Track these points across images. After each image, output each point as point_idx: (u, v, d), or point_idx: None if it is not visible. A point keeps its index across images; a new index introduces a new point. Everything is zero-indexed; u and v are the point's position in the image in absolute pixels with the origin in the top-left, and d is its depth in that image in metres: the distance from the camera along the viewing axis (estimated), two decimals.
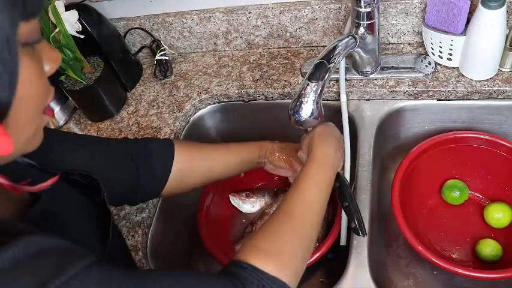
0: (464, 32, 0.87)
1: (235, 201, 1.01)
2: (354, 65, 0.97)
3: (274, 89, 1.02)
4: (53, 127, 1.10)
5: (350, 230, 0.81)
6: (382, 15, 0.97)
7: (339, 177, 0.75)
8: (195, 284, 0.50)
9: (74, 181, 0.61)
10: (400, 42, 1.02)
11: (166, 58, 1.14)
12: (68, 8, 0.94)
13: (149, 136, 1.01)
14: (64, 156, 0.65)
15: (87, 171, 0.61)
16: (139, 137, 0.93)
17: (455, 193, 0.94)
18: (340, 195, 0.75)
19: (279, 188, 1.05)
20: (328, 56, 0.76)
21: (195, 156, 0.81)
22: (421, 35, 0.97)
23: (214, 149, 0.85)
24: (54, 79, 1.05)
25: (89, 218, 0.58)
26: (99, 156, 0.70)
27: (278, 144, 0.88)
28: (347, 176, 0.87)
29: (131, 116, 1.08)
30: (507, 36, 0.86)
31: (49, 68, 0.44)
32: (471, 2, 0.83)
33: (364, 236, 0.74)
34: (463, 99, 0.93)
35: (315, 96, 0.72)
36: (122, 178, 0.72)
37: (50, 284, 0.38)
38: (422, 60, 0.95)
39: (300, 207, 0.63)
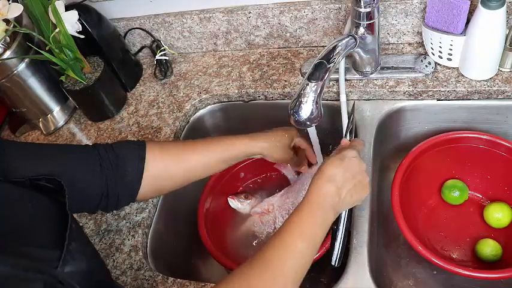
0: (464, 32, 0.87)
1: (233, 203, 1.01)
2: (353, 65, 0.97)
3: (274, 89, 1.02)
4: (53, 127, 1.10)
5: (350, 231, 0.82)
6: (382, 15, 0.97)
7: None
8: None
9: (41, 187, 0.59)
10: (400, 42, 1.02)
11: (166, 58, 1.14)
12: (68, 8, 0.94)
13: (149, 136, 1.01)
14: (24, 168, 0.62)
15: (52, 175, 0.59)
16: (127, 139, 0.91)
17: (455, 193, 0.94)
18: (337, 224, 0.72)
19: (277, 186, 1.05)
20: (328, 56, 0.76)
21: (169, 158, 0.76)
22: (421, 35, 0.97)
23: (193, 149, 0.79)
24: (54, 79, 1.05)
25: (52, 225, 0.56)
26: (63, 167, 0.66)
27: (268, 141, 0.84)
28: None
29: (131, 116, 1.08)
30: (507, 36, 0.86)
31: None
32: (471, 2, 0.83)
33: (334, 265, 0.72)
34: (463, 99, 0.93)
35: (315, 96, 0.72)
36: (90, 185, 0.69)
37: None
38: (422, 60, 0.95)
39: (277, 255, 0.59)
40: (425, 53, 0.97)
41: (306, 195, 0.66)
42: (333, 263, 0.71)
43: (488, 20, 0.80)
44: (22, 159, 0.63)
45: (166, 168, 0.76)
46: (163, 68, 1.13)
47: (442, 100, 0.94)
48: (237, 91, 1.04)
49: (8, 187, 0.55)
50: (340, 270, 0.77)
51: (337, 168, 0.67)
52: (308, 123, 0.74)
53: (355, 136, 0.93)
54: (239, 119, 1.11)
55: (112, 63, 1.07)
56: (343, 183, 0.66)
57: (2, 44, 0.95)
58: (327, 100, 0.99)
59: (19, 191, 0.56)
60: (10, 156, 0.62)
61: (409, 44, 1.01)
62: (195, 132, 1.09)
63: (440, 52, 0.92)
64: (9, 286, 0.42)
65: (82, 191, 0.66)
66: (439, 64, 0.95)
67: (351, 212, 0.73)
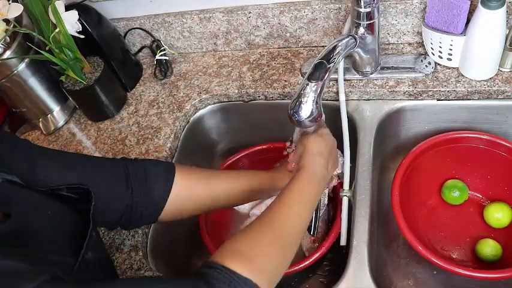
0: (464, 32, 0.87)
1: None
2: (353, 65, 0.97)
3: (274, 89, 1.02)
4: (53, 127, 1.10)
5: (350, 230, 0.82)
6: (382, 15, 0.97)
7: None
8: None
9: (62, 196, 0.59)
10: (400, 42, 1.02)
11: (166, 58, 1.14)
12: (68, 8, 0.94)
13: (149, 136, 1.01)
14: (50, 175, 0.62)
15: (75, 184, 0.60)
16: (140, 156, 0.91)
17: (455, 193, 0.94)
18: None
19: None
20: (328, 56, 0.76)
21: (196, 184, 0.77)
22: (421, 35, 0.97)
23: (219, 177, 0.81)
24: (54, 79, 1.05)
25: (70, 234, 0.56)
26: (88, 177, 0.66)
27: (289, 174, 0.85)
28: (347, 176, 0.87)
29: (131, 116, 1.08)
30: (507, 36, 0.86)
31: None
32: (471, 2, 0.83)
33: (310, 234, 0.78)
34: (463, 99, 0.93)
35: (315, 96, 0.72)
36: (114, 201, 0.68)
37: None
38: (422, 60, 0.95)
39: (281, 218, 0.63)
40: (425, 53, 0.97)
41: (300, 168, 0.72)
42: (311, 233, 0.80)
43: (488, 20, 0.80)
44: (48, 168, 0.63)
45: (191, 191, 0.76)
46: (163, 68, 1.13)
47: (442, 100, 0.94)
48: (237, 91, 1.04)
49: (29, 193, 0.56)
50: (340, 270, 0.77)
51: (321, 144, 0.75)
52: (308, 123, 0.74)
53: (355, 137, 0.93)
54: (239, 119, 1.11)
55: (112, 63, 1.07)
56: (328, 156, 0.75)
57: (2, 44, 0.95)
58: (326, 100, 0.99)
59: (40, 198, 0.57)
60: (38, 164, 0.62)
61: (409, 44, 1.01)
62: (195, 132, 1.09)
63: (440, 52, 0.92)
64: (17, 277, 0.43)
65: (104, 204, 0.66)
66: (439, 64, 0.95)
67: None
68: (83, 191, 0.60)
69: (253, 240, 0.59)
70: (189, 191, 0.75)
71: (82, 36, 0.96)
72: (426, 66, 0.94)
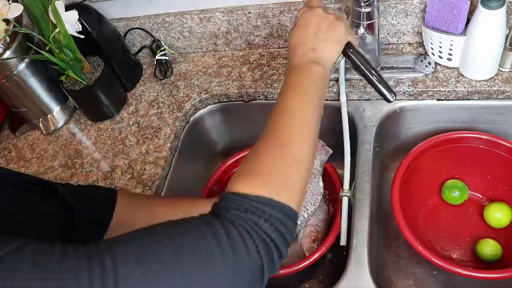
0: (464, 32, 0.87)
1: None
2: None
3: (274, 89, 1.02)
4: (53, 127, 1.10)
5: (350, 230, 0.82)
6: (382, 15, 0.97)
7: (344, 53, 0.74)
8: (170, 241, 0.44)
9: (29, 191, 0.58)
10: (400, 42, 1.02)
11: (166, 58, 1.14)
12: (68, 8, 0.94)
13: (149, 136, 1.01)
14: None
15: (34, 177, 0.60)
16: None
17: (455, 193, 0.94)
18: (355, 68, 0.76)
19: None
20: None
21: (138, 210, 0.75)
22: (421, 35, 0.97)
23: (161, 205, 0.79)
24: (54, 79, 1.05)
25: (45, 225, 0.56)
26: (19, 211, 0.61)
27: None
28: (346, 176, 0.87)
29: (131, 116, 1.08)
30: (507, 36, 0.86)
31: None
32: (471, 2, 0.83)
33: (392, 99, 0.74)
34: (463, 99, 0.93)
35: None
36: (59, 229, 0.64)
37: None
38: (422, 60, 0.95)
39: (281, 122, 0.60)
40: (425, 53, 0.97)
41: (288, 67, 0.69)
42: (389, 98, 0.74)
43: (488, 20, 0.80)
44: None
45: (133, 217, 0.73)
46: (163, 68, 1.13)
47: (442, 100, 0.94)
48: (237, 91, 1.04)
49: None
50: (340, 270, 0.77)
51: (295, 32, 0.71)
52: None
53: (355, 137, 0.92)
54: (239, 119, 1.11)
55: (112, 63, 1.07)
56: (307, 38, 0.69)
57: (2, 44, 0.95)
58: (327, 100, 0.99)
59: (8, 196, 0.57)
60: None
61: (409, 44, 1.01)
62: (195, 132, 1.09)
63: (440, 52, 0.92)
64: None
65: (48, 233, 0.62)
66: (439, 64, 0.95)
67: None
68: (47, 185, 0.60)
69: (260, 157, 0.55)
70: (130, 217, 0.73)
71: (82, 36, 0.96)
72: (426, 66, 0.94)
